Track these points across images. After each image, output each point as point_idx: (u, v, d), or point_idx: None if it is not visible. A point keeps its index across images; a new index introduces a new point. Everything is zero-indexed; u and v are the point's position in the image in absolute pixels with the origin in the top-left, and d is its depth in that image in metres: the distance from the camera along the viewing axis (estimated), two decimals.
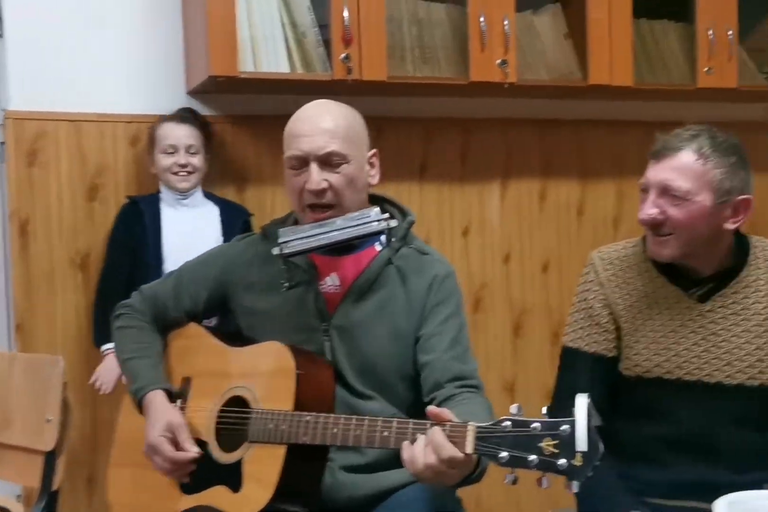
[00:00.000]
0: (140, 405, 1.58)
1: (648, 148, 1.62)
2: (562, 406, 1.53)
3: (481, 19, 2.46)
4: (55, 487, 1.87)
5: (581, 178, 3.02)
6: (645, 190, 1.57)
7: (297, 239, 1.51)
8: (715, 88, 2.80)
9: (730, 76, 2.80)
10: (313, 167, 1.52)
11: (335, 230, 1.52)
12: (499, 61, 2.51)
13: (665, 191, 1.53)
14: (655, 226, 1.55)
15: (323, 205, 1.54)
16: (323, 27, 2.45)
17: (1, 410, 1.96)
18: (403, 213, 1.65)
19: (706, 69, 2.77)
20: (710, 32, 2.74)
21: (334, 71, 2.37)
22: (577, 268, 2.95)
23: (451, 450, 1.21)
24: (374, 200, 1.66)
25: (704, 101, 3.02)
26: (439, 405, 1.44)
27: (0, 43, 2.46)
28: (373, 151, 1.62)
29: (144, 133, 2.48)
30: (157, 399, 1.56)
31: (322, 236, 1.51)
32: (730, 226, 1.57)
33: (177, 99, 2.52)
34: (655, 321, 1.61)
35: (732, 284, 1.60)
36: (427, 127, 2.80)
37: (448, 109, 2.81)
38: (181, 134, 2.37)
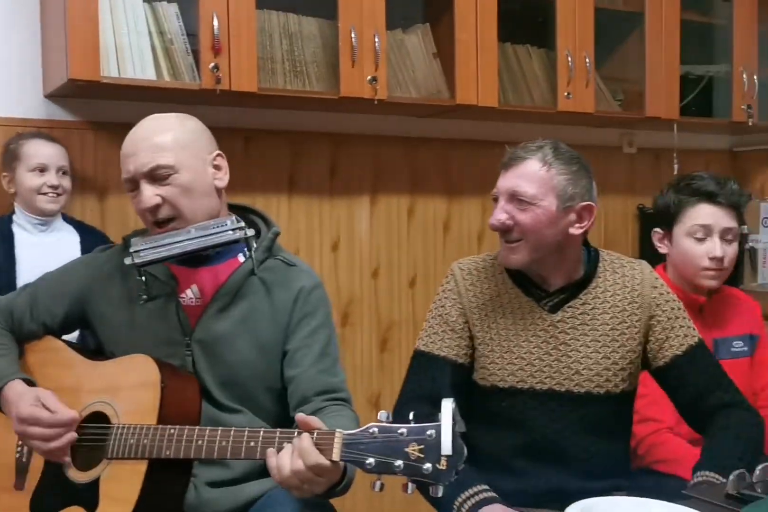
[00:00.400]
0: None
1: None
2: (404, 408, 1.56)
3: (353, 35, 2.48)
4: None
5: (447, 195, 3.09)
6: (495, 199, 1.65)
7: (148, 248, 1.48)
8: (574, 112, 2.92)
9: (588, 102, 2.94)
10: (143, 185, 1.51)
11: (188, 239, 1.49)
12: (369, 78, 2.52)
13: (513, 197, 1.61)
14: (505, 232, 1.62)
15: (163, 220, 1.52)
16: (192, 36, 2.39)
17: None
18: (268, 224, 1.63)
19: (565, 93, 2.89)
20: (569, 58, 2.87)
21: (203, 80, 2.32)
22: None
23: (317, 457, 1.20)
24: (238, 210, 1.64)
25: (564, 124, 3.16)
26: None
27: None
28: (217, 152, 1.59)
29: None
30: (17, 386, 1.48)
31: (174, 245, 1.49)
32: (575, 231, 1.64)
33: (34, 102, 2.40)
34: (509, 331, 1.66)
35: (581, 295, 1.67)
36: (296, 140, 2.79)
37: (318, 123, 2.82)
38: (53, 153, 2.25)
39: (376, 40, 2.52)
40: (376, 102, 2.55)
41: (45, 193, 2.22)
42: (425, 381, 1.65)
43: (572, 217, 1.63)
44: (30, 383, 1.51)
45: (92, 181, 2.47)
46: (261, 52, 2.48)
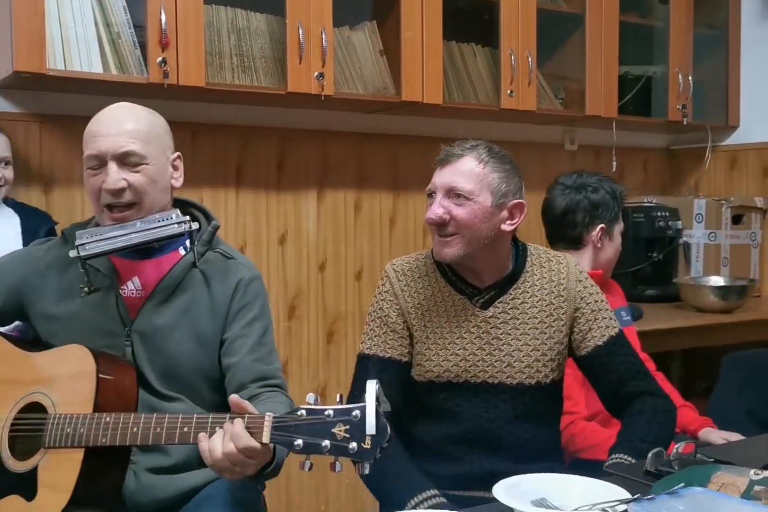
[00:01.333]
0: None
1: None
2: None
3: (300, 31, 2.51)
4: None
5: (394, 190, 3.14)
6: (431, 195, 1.70)
7: (94, 241, 1.50)
8: (517, 109, 3.00)
9: (530, 100, 3.01)
10: (111, 166, 1.51)
11: (134, 232, 1.51)
12: (316, 74, 2.55)
13: (450, 192, 1.66)
14: (441, 226, 1.67)
15: (123, 205, 1.54)
16: (139, 28, 2.39)
17: None
18: (208, 217, 1.66)
19: (508, 91, 2.96)
20: (512, 57, 2.94)
21: (150, 74, 2.33)
22: None
23: (248, 440, 1.24)
24: (179, 204, 1.67)
25: (507, 122, 3.24)
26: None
27: None
28: (177, 153, 1.63)
29: None
30: None
31: (120, 238, 1.51)
32: (507, 227, 1.70)
33: None
34: (443, 329, 1.71)
35: (511, 290, 1.73)
36: (244, 135, 2.81)
37: (265, 118, 2.84)
38: (4, 145, 2.24)
39: (324, 36, 2.55)
40: (323, 98, 2.58)
41: None
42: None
43: (504, 213, 1.69)
44: None
45: (37, 173, 2.46)
46: (209, 47, 2.49)
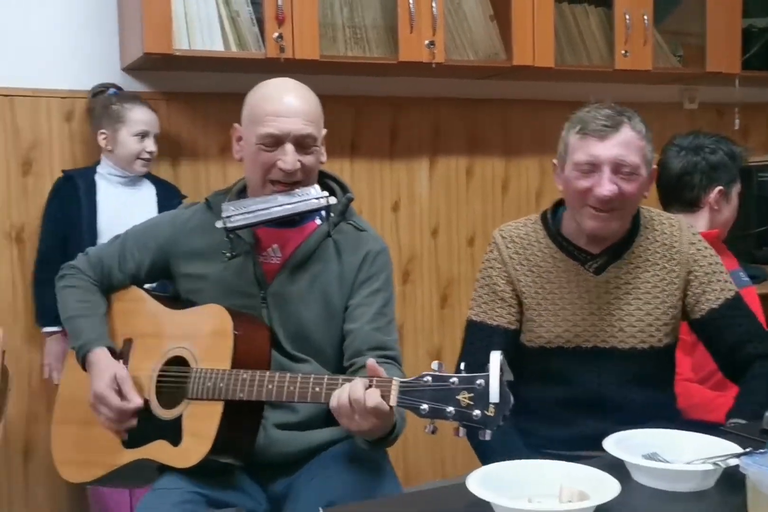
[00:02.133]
0: (83, 362, 1.64)
1: None
2: None
3: (410, 0, 2.54)
4: None
5: (505, 155, 3.14)
6: (590, 168, 1.62)
7: (239, 214, 1.58)
8: (632, 69, 2.93)
9: (646, 59, 2.94)
10: (290, 148, 1.58)
11: (276, 206, 1.58)
12: (427, 42, 2.58)
13: (618, 167, 1.61)
14: (609, 202, 1.62)
15: (291, 182, 1.61)
16: (256, 5, 2.48)
17: None
18: (344, 189, 1.72)
19: (623, 51, 2.90)
20: (627, 16, 2.87)
21: (267, 50, 2.41)
22: None
23: (379, 400, 1.31)
24: (319, 175, 1.72)
25: (621, 82, 3.17)
26: (356, 371, 1.56)
27: None
28: (325, 131, 1.68)
29: (79, 109, 2.49)
30: (101, 354, 1.62)
31: (263, 212, 1.58)
32: (647, 194, 1.70)
33: (112, 75, 2.53)
34: (555, 295, 1.72)
35: (625, 255, 1.72)
36: (357, 105, 2.87)
37: (378, 88, 2.89)
38: (153, 120, 2.41)
39: (434, 4, 2.57)
40: (434, 65, 2.60)
41: (142, 158, 2.38)
42: (481, 351, 1.68)
43: (648, 181, 1.69)
44: (112, 351, 1.65)
45: (165, 149, 2.60)
46: (322, 20, 2.56)
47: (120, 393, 1.58)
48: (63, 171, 2.44)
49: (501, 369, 1.23)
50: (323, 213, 1.65)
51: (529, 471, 1.28)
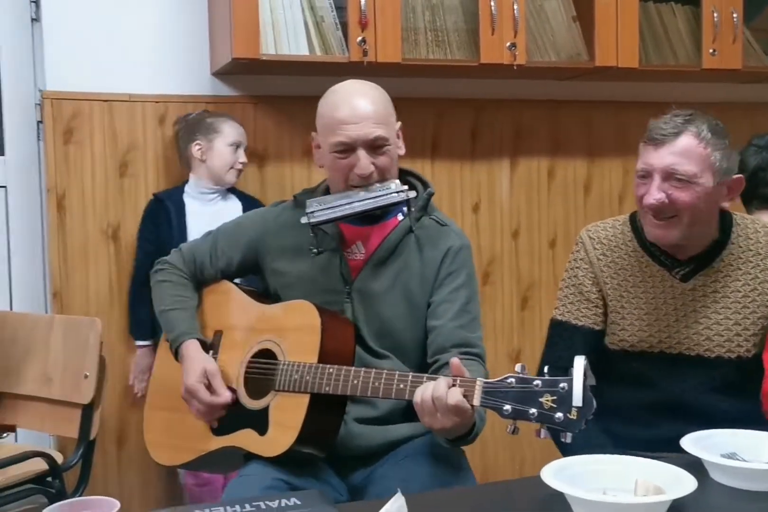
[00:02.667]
0: (176, 353, 1.72)
1: None
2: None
3: (492, 3, 2.56)
4: (92, 437, 2.04)
5: (588, 156, 3.11)
6: (645, 176, 1.61)
7: (322, 209, 1.64)
8: (720, 69, 2.87)
9: (735, 58, 2.87)
10: (362, 153, 1.62)
11: (358, 201, 1.63)
12: (508, 44, 2.59)
13: (670, 176, 1.58)
14: (659, 210, 1.60)
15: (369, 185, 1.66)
16: (340, 10, 2.53)
17: (42, 367, 2.12)
18: (425, 184, 1.75)
19: (711, 50, 2.84)
20: (715, 14, 2.82)
21: (351, 53, 2.47)
22: None
23: (461, 399, 1.34)
24: (399, 172, 1.75)
25: (709, 82, 3.11)
26: (440, 368, 1.58)
27: (37, 27, 2.58)
28: (399, 123, 1.72)
29: (171, 113, 2.59)
30: (192, 347, 1.70)
31: (345, 207, 1.63)
32: (725, 203, 1.65)
33: (202, 80, 2.63)
34: (640, 299, 1.70)
35: (714, 263, 1.68)
36: (438, 107, 2.90)
37: (459, 90, 2.91)
38: (244, 135, 2.52)
39: (515, 6, 2.58)
40: (515, 67, 2.61)
41: (236, 168, 2.48)
42: (564, 351, 1.70)
43: (724, 190, 1.63)
44: (203, 343, 1.72)
45: (252, 152, 2.68)
46: (405, 24, 2.59)
47: (210, 387, 1.65)
48: (153, 194, 2.54)
49: (585, 374, 1.25)
50: (404, 208, 1.67)
51: (605, 465, 1.29)
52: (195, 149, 2.48)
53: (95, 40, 2.56)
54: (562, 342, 1.74)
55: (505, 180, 3.01)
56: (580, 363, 1.25)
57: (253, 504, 1.14)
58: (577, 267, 1.76)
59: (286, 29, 2.49)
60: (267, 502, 1.14)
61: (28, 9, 2.60)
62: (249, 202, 2.55)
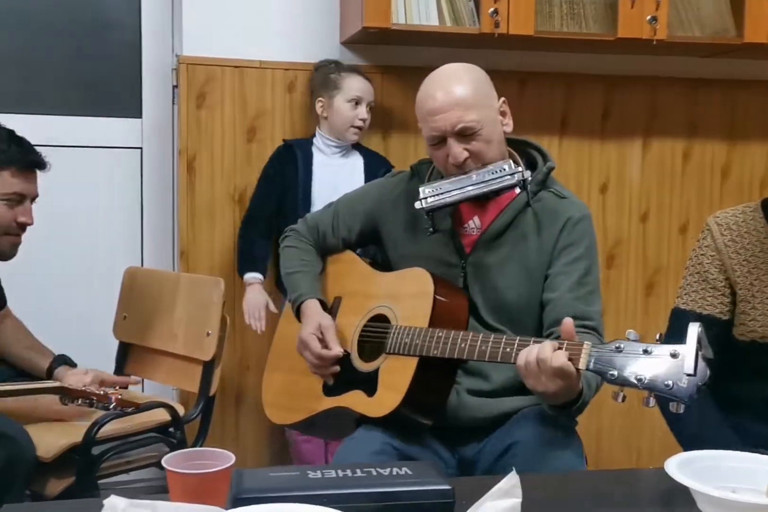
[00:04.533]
0: (298, 312, 1.77)
1: None
2: None
3: None
4: (211, 393, 2.12)
5: (729, 139, 2.97)
6: None
7: (434, 195, 1.64)
8: None
9: None
10: (451, 142, 1.61)
11: (471, 185, 1.62)
12: (649, 18, 2.49)
13: None
14: None
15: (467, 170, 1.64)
16: None
17: (168, 323, 2.22)
18: (545, 158, 1.71)
19: None
20: None
21: (482, 25, 2.43)
22: None
23: (564, 360, 1.31)
24: (519, 144, 1.73)
25: None
26: (556, 339, 1.53)
27: None
28: (502, 99, 1.68)
29: (300, 80, 2.63)
30: (313, 305, 1.74)
31: (457, 191, 1.62)
32: None
33: (331, 49, 2.65)
34: None
35: None
36: (569, 83, 2.82)
37: (592, 65, 2.82)
38: (367, 89, 2.52)
39: None
40: (654, 42, 2.51)
41: (355, 126, 2.49)
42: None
43: None
44: (323, 304, 1.76)
45: (378, 121, 2.69)
46: None
47: (323, 341, 1.68)
48: (284, 140, 2.60)
49: (699, 342, 1.18)
50: (521, 183, 1.64)
51: (734, 462, 1.22)
52: (318, 106, 2.52)
53: (230, 7, 2.62)
54: (685, 331, 1.67)
55: (636, 161, 2.92)
56: (694, 330, 1.19)
57: (365, 469, 1.12)
58: (702, 255, 1.69)
59: None
60: (378, 469, 1.12)
61: None
62: (373, 159, 2.57)
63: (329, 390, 1.71)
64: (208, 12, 2.61)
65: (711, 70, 2.90)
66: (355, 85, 2.49)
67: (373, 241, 1.83)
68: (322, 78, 2.54)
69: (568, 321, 1.36)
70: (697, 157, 2.96)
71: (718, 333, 1.64)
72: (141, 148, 2.77)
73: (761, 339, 1.62)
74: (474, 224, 1.69)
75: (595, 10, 2.62)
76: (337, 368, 1.69)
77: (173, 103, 2.73)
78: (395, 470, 1.12)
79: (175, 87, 2.69)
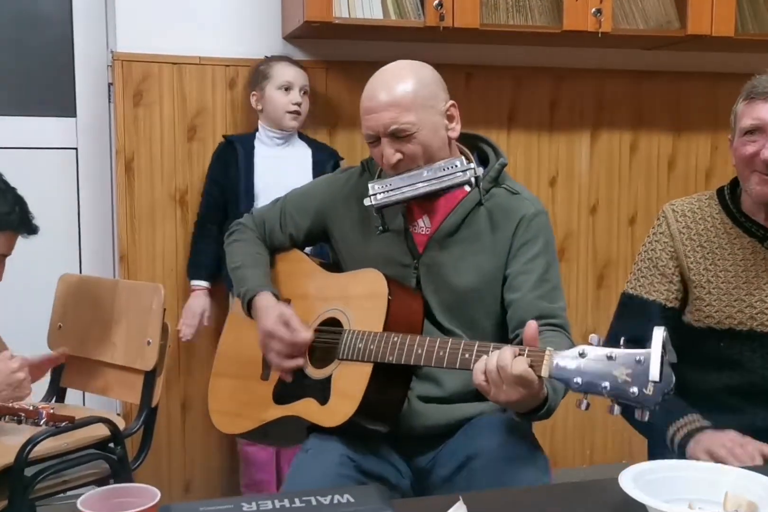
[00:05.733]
0: (249, 308, 1.68)
1: None
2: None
3: None
4: (153, 404, 2.04)
5: (674, 131, 2.98)
6: (755, 131, 1.54)
7: (385, 191, 1.58)
8: None
9: None
10: (384, 142, 1.56)
11: (421, 182, 1.56)
12: (593, 10, 2.47)
13: None
14: None
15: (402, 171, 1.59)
16: None
17: (106, 332, 2.12)
18: (497, 153, 1.67)
19: None
20: None
21: (427, 18, 2.39)
22: None
23: (524, 367, 1.26)
24: (469, 139, 1.69)
25: None
26: (522, 342, 1.49)
27: None
28: (450, 102, 1.61)
29: (241, 76, 2.57)
30: (267, 297, 1.65)
31: (408, 188, 1.57)
32: None
33: (273, 44, 2.59)
34: (728, 273, 1.61)
35: None
36: (517, 76, 2.80)
37: (539, 58, 2.81)
38: (297, 74, 2.46)
39: None
40: (600, 35, 2.50)
41: (290, 111, 2.44)
42: (633, 325, 1.62)
43: None
44: (276, 297, 1.67)
45: (324, 117, 2.64)
46: None
47: (289, 327, 1.59)
48: (224, 136, 2.53)
49: (663, 347, 1.15)
50: (472, 179, 1.59)
51: (691, 472, 1.19)
52: (253, 100, 2.49)
53: (167, 1, 2.53)
54: (631, 316, 1.67)
55: (584, 153, 2.91)
56: (659, 335, 1.16)
57: (304, 499, 1.06)
58: (656, 241, 1.69)
59: None
60: (318, 498, 1.06)
61: None
62: (320, 149, 2.53)
63: (279, 398, 1.65)
64: (144, 5, 2.52)
65: (656, 62, 2.91)
66: (284, 72, 2.45)
67: (322, 238, 1.77)
68: (253, 72, 2.50)
69: (531, 325, 1.32)
70: (643, 149, 2.97)
71: (663, 319, 1.63)
72: (76, 149, 2.67)
73: (717, 325, 1.62)
74: (423, 223, 1.64)
75: (540, 2, 2.60)
76: (303, 361, 1.61)
77: (109, 101, 2.64)
78: (336, 497, 1.06)
79: (110, 84, 2.60)
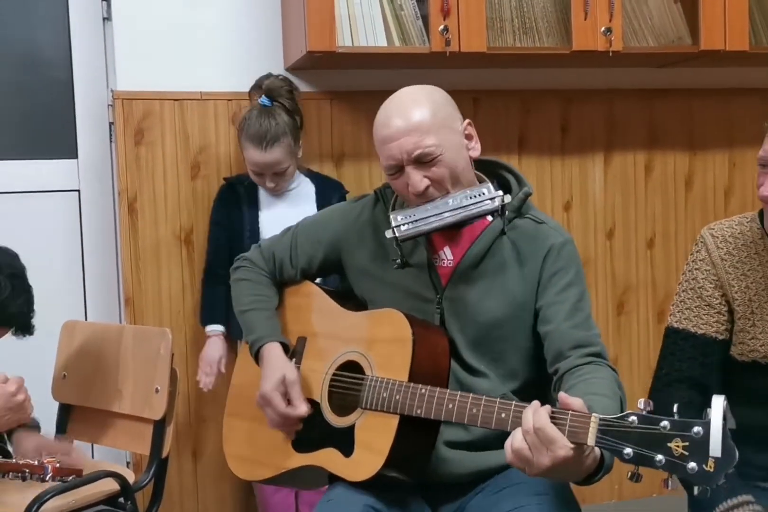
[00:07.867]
0: (257, 356, 1.62)
1: (764, 116, 1.53)
2: (663, 393, 1.48)
3: None
4: (164, 455, 1.96)
5: (690, 149, 2.92)
6: (765, 165, 1.47)
7: (409, 222, 1.51)
8: None
9: None
10: (409, 170, 1.50)
11: (447, 211, 1.50)
12: (603, 29, 2.44)
13: None
14: None
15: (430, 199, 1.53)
16: (421, 0, 2.43)
17: (113, 380, 2.06)
18: (520, 182, 1.61)
19: None
20: None
21: (432, 44, 2.35)
22: (685, 243, 2.87)
23: (561, 438, 1.17)
24: (490, 166, 1.63)
25: None
26: (561, 377, 1.44)
27: (108, 26, 2.55)
28: (466, 121, 1.58)
29: (244, 111, 2.50)
30: (274, 351, 1.60)
31: (433, 218, 1.50)
32: None
33: None
34: None
35: None
36: (525, 99, 2.75)
37: (547, 80, 2.76)
38: (265, 164, 2.30)
39: None
40: (610, 54, 2.46)
41: (266, 188, 2.36)
42: (683, 362, 1.56)
43: None
44: (285, 347, 1.61)
45: (329, 149, 2.58)
46: (489, 11, 2.46)
47: (287, 397, 1.55)
48: (224, 178, 2.47)
49: (724, 417, 1.06)
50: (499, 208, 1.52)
51: None
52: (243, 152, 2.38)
53: (166, 36, 2.50)
54: (679, 352, 1.58)
55: (598, 176, 2.85)
56: (719, 404, 1.07)
57: None
58: (696, 269, 1.60)
59: (363, 20, 2.38)
60: None
61: (100, 8, 2.57)
62: (323, 183, 2.45)
63: (299, 445, 1.57)
64: (143, 43, 2.48)
65: (668, 80, 2.86)
66: (252, 158, 2.32)
67: (335, 271, 1.71)
68: (239, 124, 2.37)
69: (563, 397, 1.24)
70: (659, 169, 2.90)
71: (714, 353, 1.56)
72: (78, 191, 2.62)
73: (762, 359, 1.54)
74: (446, 255, 1.57)
75: (547, 23, 2.55)
76: (300, 427, 1.55)
77: (111, 141, 2.59)
78: None
79: (111, 124, 2.56)
